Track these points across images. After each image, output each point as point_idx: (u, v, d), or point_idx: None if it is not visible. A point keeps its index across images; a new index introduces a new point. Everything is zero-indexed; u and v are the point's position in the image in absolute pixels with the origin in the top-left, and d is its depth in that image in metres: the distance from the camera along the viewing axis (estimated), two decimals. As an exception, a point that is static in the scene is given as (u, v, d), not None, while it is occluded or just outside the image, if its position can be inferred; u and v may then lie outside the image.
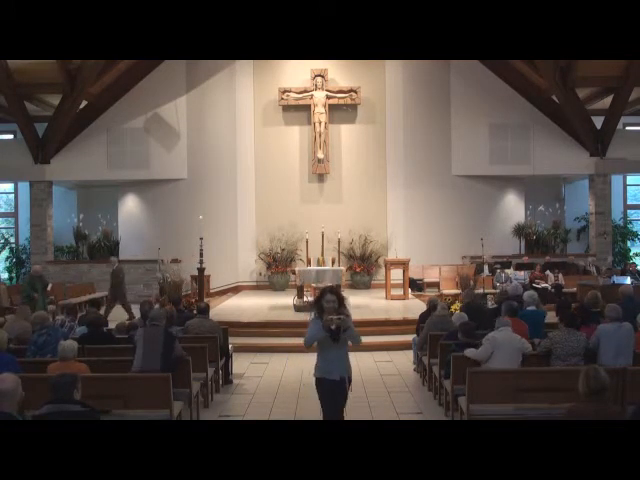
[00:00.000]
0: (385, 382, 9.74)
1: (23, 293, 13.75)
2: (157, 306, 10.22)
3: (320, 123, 20.01)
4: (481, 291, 15.50)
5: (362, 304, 15.92)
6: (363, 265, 19.95)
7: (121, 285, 14.92)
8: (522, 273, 17.22)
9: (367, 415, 7.94)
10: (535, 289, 14.85)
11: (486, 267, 17.22)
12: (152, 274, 18.70)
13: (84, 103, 18.84)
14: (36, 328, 8.06)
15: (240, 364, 10.73)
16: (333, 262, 16.99)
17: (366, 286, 19.82)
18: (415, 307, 14.67)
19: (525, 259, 18.81)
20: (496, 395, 6.56)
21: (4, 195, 24.08)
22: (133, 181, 19.80)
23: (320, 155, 19.99)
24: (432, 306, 10.24)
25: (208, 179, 19.66)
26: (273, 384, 9.71)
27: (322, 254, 17.13)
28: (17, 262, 22.30)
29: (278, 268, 19.98)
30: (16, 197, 23.34)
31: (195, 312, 10.51)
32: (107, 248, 20.51)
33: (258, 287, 20.24)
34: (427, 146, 20.18)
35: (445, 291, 17.09)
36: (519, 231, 20.78)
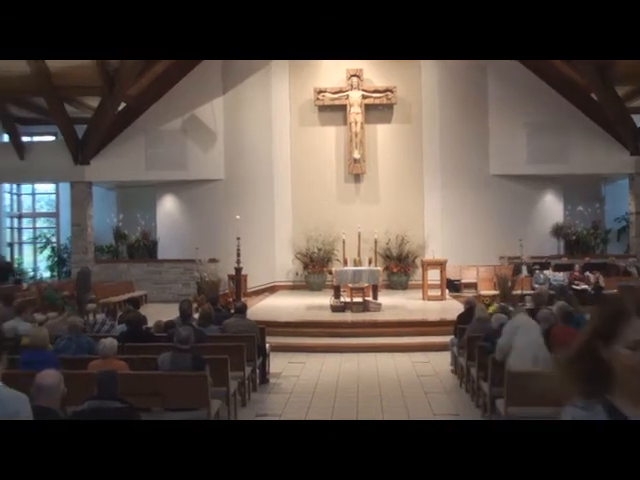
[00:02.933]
0: (422, 383, 9.70)
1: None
2: (196, 317, 10.26)
3: (356, 123, 19.99)
4: (519, 292, 15.37)
5: (399, 304, 15.88)
6: (400, 265, 19.88)
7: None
8: (561, 274, 17.00)
9: (404, 416, 7.92)
10: (574, 290, 14.65)
11: (524, 268, 17.03)
12: (190, 274, 18.93)
13: (122, 105, 19.12)
14: (63, 332, 8.23)
15: (277, 363, 10.78)
16: (370, 262, 16.96)
17: (403, 287, 19.76)
18: (452, 308, 14.58)
19: (564, 260, 18.56)
20: (534, 398, 6.48)
21: (46, 196, 24.55)
22: (171, 182, 20.03)
23: (356, 155, 19.97)
24: (470, 307, 10.18)
25: (245, 179, 19.78)
26: (310, 384, 9.73)
27: (359, 254, 17.12)
28: (58, 261, 22.76)
29: (315, 268, 20.02)
30: (57, 197, 23.82)
31: (232, 311, 10.59)
32: (146, 248, 20.79)
33: (295, 287, 20.29)
34: (464, 145, 20.03)
35: (483, 292, 16.95)
36: (558, 231, 20.51)
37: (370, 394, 9.06)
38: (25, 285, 17.76)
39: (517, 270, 17.23)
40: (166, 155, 19.64)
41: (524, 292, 15.08)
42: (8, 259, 19.04)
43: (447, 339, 10.99)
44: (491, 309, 11.78)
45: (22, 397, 3.66)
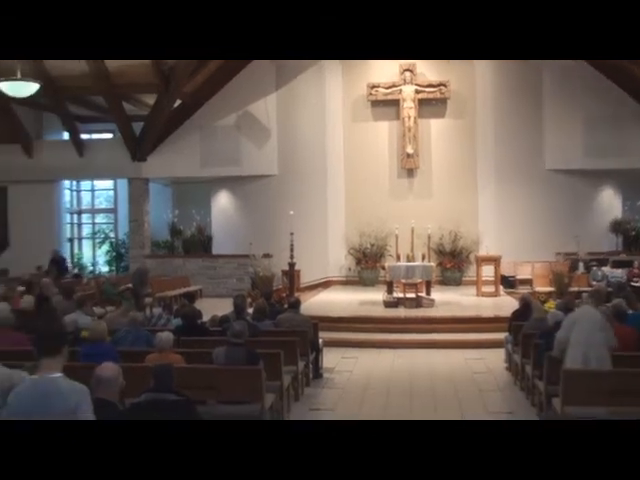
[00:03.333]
0: (476, 380, 9.61)
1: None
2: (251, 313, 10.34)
3: (409, 118, 19.83)
4: (576, 289, 15.06)
5: (453, 301, 15.73)
6: (454, 261, 19.68)
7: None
8: (619, 271, 16.57)
9: (457, 413, 7.86)
10: (633, 287, 14.29)
11: (581, 264, 16.68)
12: (244, 269, 19.13)
13: (178, 102, 19.40)
14: (121, 326, 8.43)
15: (330, 358, 10.80)
16: (423, 258, 16.84)
17: (457, 282, 19.56)
18: (506, 304, 14.38)
19: (623, 256, 18.09)
20: (591, 397, 6.35)
21: (104, 192, 25.09)
22: (225, 178, 20.25)
23: (409, 150, 19.84)
24: (525, 304, 10.02)
25: (298, 175, 19.86)
26: (363, 379, 9.73)
27: (412, 250, 17.01)
28: (116, 256, 23.23)
29: (368, 263, 19.97)
30: (115, 194, 24.31)
31: (286, 306, 10.65)
32: (201, 243, 21.07)
33: (348, 282, 20.27)
34: (518, 140, 19.68)
35: (538, 288, 16.66)
36: (616, 227, 20.01)
37: (423, 391, 9.02)
38: (85, 279, 18.20)
39: (574, 267, 16.88)
40: (220, 151, 19.87)
41: (581, 289, 14.76)
42: (64, 254, 19.47)
43: (501, 336, 10.84)
44: (547, 306, 11.59)
45: (83, 389, 3.78)
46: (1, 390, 4.13)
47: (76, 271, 20.58)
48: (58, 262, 18.93)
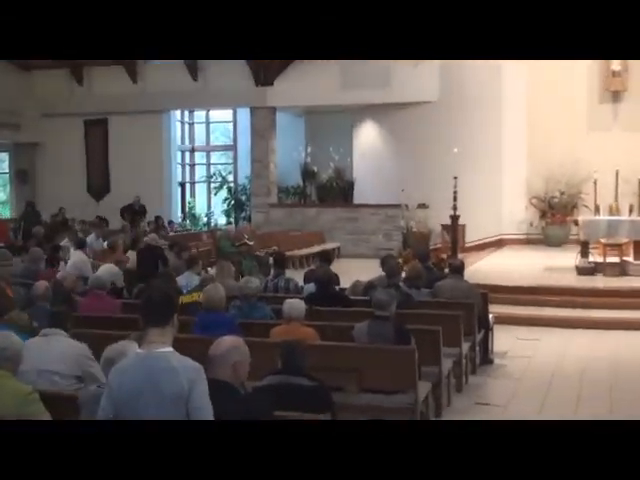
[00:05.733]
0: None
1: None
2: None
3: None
4: None
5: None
6: (674, 215, 18.84)
7: None
8: None
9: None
10: None
11: None
12: (394, 222, 19.19)
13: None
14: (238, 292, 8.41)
15: (503, 340, 10.69)
16: (631, 210, 16.23)
17: (677, 244, 18.73)
18: None
19: None
20: None
21: (222, 125, 25.75)
22: (371, 106, 20.26)
23: (616, 67, 19.06)
24: None
25: (465, 101, 19.54)
26: (546, 368, 9.57)
27: (616, 199, 16.47)
28: (235, 205, 23.79)
29: (555, 217, 19.55)
30: (235, 127, 24.92)
31: (447, 271, 10.62)
32: (339, 189, 21.27)
33: (528, 241, 19.96)
34: None
35: None
36: None
37: (629, 385, 8.77)
38: (205, 236, 18.65)
39: None
40: (365, 72, 19.79)
41: None
42: (141, 202, 19.99)
43: None
44: None
45: (196, 367, 3.91)
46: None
47: (165, 222, 20.71)
48: (135, 212, 19.62)
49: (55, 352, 5.69)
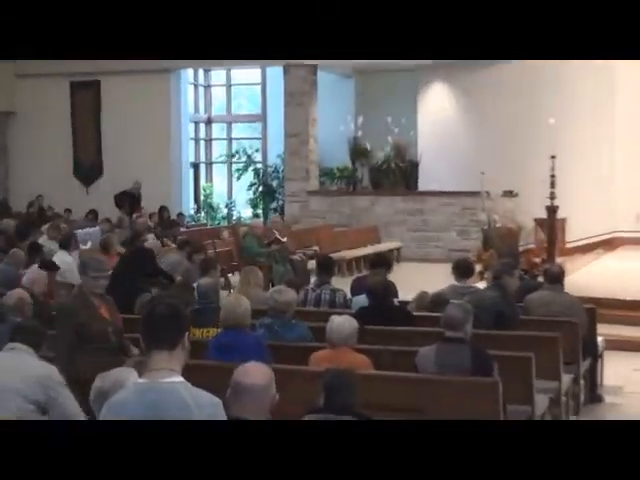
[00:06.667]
0: None
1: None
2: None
3: None
4: None
5: None
6: None
7: None
8: None
9: None
10: None
11: None
12: (471, 215, 19.11)
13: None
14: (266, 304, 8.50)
15: (616, 370, 10.62)
16: None
17: None
18: None
19: None
20: None
21: (246, 88, 25.61)
22: (440, 63, 20.10)
23: None
24: None
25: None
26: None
27: None
28: (264, 192, 23.65)
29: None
30: (264, 90, 24.70)
31: (541, 279, 10.57)
32: (400, 172, 21.15)
33: (649, 242, 19.79)
34: None
35: None
36: None
37: None
38: (225, 232, 18.53)
39: None
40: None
41: None
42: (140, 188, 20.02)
43: None
44: None
45: (214, 402, 3.91)
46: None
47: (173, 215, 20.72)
48: (135, 201, 19.75)
49: (18, 371, 5.76)
